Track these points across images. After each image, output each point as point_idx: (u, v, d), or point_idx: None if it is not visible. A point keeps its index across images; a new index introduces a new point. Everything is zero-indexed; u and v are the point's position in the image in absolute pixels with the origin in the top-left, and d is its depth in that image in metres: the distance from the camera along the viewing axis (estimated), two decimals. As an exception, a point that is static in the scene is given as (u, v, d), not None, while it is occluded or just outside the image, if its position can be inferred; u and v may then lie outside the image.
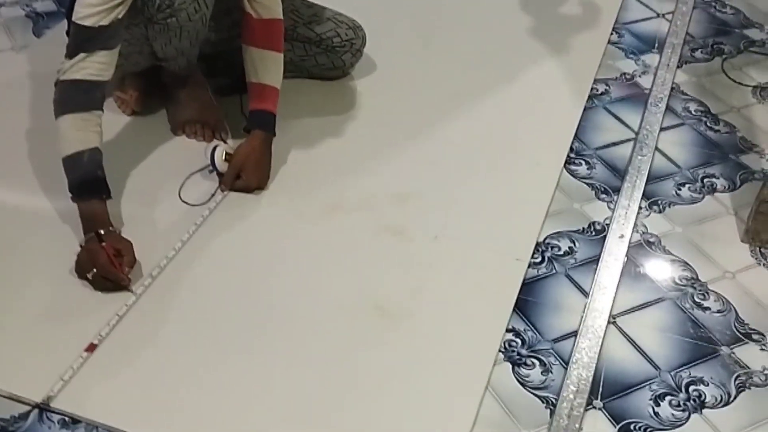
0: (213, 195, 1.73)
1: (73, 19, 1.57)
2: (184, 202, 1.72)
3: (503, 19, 2.34)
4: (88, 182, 1.57)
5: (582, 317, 1.56)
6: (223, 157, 1.74)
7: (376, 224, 1.71)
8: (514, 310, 1.56)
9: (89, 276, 1.52)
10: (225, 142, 1.84)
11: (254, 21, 1.76)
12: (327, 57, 1.99)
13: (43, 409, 1.36)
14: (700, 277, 1.66)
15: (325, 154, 1.87)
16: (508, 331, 1.53)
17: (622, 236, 1.73)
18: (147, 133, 1.88)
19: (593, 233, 1.74)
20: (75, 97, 1.57)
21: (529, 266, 1.65)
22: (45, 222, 1.65)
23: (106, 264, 1.50)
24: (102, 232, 1.53)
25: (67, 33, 1.77)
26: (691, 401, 1.44)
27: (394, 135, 1.93)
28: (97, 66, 1.57)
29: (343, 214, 1.73)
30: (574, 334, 1.53)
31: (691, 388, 1.46)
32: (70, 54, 1.57)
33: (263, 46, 1.77)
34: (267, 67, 1.78)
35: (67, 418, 1.35)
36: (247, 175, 1.75)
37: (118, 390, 1.39)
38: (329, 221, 1.71)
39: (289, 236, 1.68)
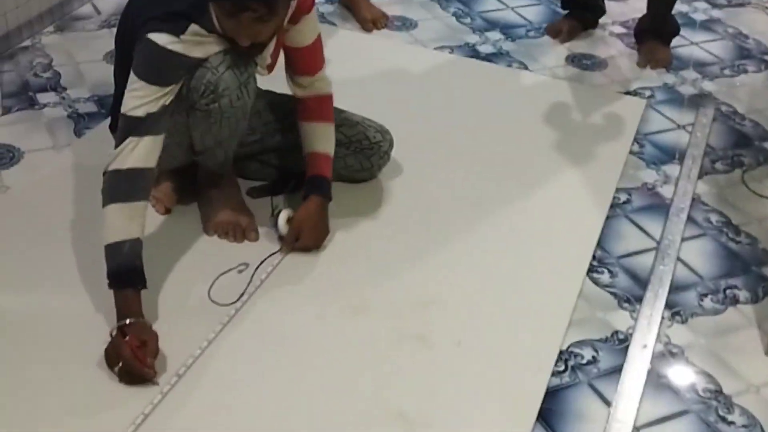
0: (241, 295, 1.76)
1: (122, 111, 1.64)
2: (213, 301, 1.76)
3: (527, 128, 2.40)
4: (126, 272, 1.60)
5: (605, 428, 1.55)
6: (286, 221, 1.85)
7: (399, 329, 1.72)
8: (537, 419, 1.56)
9: (115, 370, 1.55)
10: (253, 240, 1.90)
11: (305, 100, 1.91)
12: (355, 159, 2.04)
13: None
14: (724, 390, 1.65)
15: (349, 255, 1.90)
16: (531, 440, 1.52)
17: (645, 346, 1.73)
18: (180, 230, 1.92)
19: (616, 342, 1.75)
20: (121, 187, 1.62)
21: (552, 375, 1.65)
22: (79, 313, 1.69)
23: (130, 358, 1.53)
24: (127, 322, 1.56)
25: (110, 128, 1.85)
26: None
27: (418, 239, 1.96)
28: (143, 152, 1.62)
29: (366, 317, 1.75)
30: (597, 445, 1.53)
31: (717, 505, 1.44)
32: (119, 143, 1.63)
33: (315, 119, 1.91)
34: (318, 137, 1.91)
35: None
36: (304, 237, 1.85)
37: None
38: (352, 324, 1.73)
39: (312, 339, 1.70)
